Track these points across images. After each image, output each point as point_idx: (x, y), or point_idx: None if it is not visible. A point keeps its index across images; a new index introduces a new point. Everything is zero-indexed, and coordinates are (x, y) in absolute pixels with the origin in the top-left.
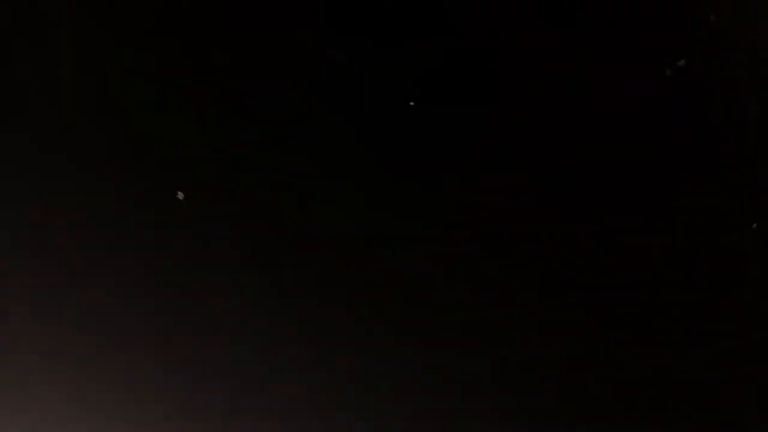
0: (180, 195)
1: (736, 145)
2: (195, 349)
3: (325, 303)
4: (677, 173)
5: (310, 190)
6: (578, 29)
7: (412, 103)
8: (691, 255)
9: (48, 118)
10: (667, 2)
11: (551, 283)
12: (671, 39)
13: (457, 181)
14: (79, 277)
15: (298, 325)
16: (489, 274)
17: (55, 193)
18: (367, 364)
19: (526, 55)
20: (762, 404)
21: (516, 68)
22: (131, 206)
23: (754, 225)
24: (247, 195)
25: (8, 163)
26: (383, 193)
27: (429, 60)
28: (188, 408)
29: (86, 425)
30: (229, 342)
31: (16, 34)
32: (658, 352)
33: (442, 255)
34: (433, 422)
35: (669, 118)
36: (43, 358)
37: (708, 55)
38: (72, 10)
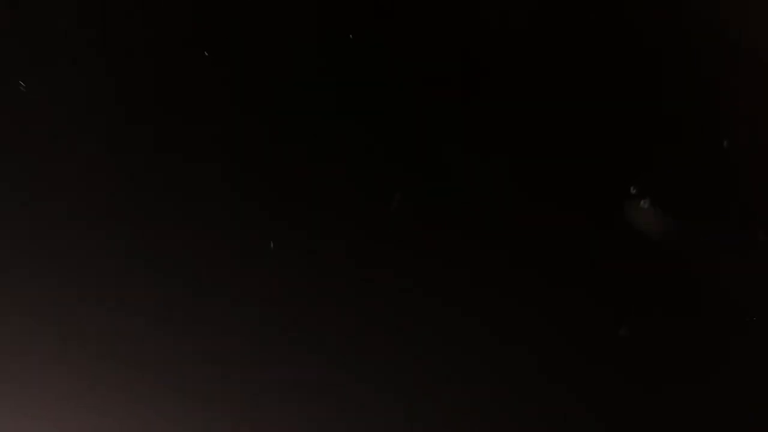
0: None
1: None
2: (196, 349)
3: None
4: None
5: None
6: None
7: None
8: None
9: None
10: None
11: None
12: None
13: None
14: (79, 276)
15: (296, 326)
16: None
17: (55, 193)
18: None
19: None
20: None
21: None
22: (131, 205)
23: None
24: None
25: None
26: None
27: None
28: (189, 407)
29: (86, 426)
30: (231, 341)
31: None
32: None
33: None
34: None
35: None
36: (43, 358)
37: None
38: None
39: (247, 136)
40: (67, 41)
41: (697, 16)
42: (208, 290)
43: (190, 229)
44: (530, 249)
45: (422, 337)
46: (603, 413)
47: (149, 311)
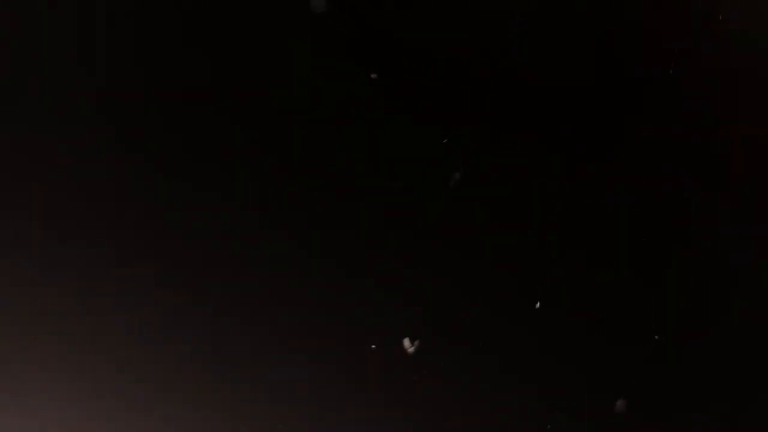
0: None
1: None
2: (195, 350)
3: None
4: None
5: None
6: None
7: (374, 76)
8: None
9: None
10: None
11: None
12: None
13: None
14: (80, 278)
15: (297, 325)
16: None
17: (56, 195)
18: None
19: None
20: None
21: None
22: (133, 207)
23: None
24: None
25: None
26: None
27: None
28: (189, 408)
29: (86, 426)
30: (230, 342)
31: None
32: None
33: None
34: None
35: None
36: (45, 360)
37: None
38: None
39: (245, 137)
40: (67, 46)
41: None
42: (208, 291)
43: (191, 230)
44: None
45: (421, 337)
46: None
47: (150, 312)
